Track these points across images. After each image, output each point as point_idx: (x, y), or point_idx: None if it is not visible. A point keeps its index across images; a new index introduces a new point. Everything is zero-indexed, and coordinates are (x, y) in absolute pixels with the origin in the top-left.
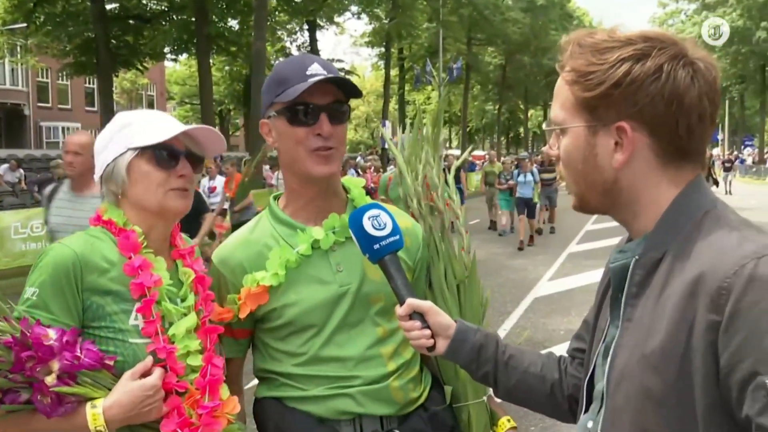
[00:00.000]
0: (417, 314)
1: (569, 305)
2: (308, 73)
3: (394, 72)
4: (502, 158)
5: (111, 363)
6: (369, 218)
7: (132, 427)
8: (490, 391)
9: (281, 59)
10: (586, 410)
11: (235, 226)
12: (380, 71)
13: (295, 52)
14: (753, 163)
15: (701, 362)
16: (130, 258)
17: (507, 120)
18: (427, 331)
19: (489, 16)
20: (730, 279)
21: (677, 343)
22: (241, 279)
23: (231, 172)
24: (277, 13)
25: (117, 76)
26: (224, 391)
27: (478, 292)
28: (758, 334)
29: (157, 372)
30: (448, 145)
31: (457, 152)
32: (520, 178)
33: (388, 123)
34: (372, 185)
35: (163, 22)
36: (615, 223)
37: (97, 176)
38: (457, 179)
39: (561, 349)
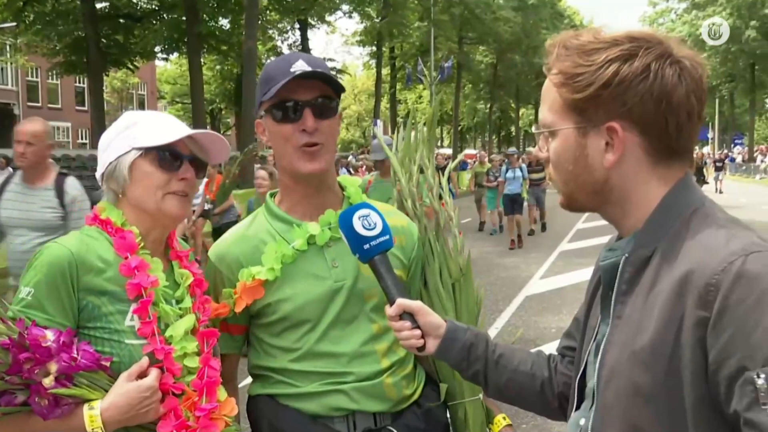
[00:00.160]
0: (407, 314)
1: (561, 303)
2: (292, 70)
3: (385, 71)
4: (490, 156)
5: (107, 364)
6: (359, 218)
7: (129, 429)
8: None
9: (272, 58)
10: (578, 408)
11: (216, 230)
12: (372, 70)
13: (286, 51)
14: (743, 161)
15: (690, 358)
16: (126, 258)
17: (498, 119)
18: (417, 332)
19: (480, 14)
20: (719, 276)
21: (666, 340)
22: (237, 274)
23: (212, 173)
24: (268, 12)
25: (107, 75)
26: (221, 392)
27: (473, 291)
28: (746, 330)
29: (154, 373)
30: (439, 143)
31: (448, 151)
32: (509, 174)
33: (379, 122)
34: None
35: (154, 21)
36: (606, 222)
37: (98, 174)
38: (448, 179)
39: (552, 347)
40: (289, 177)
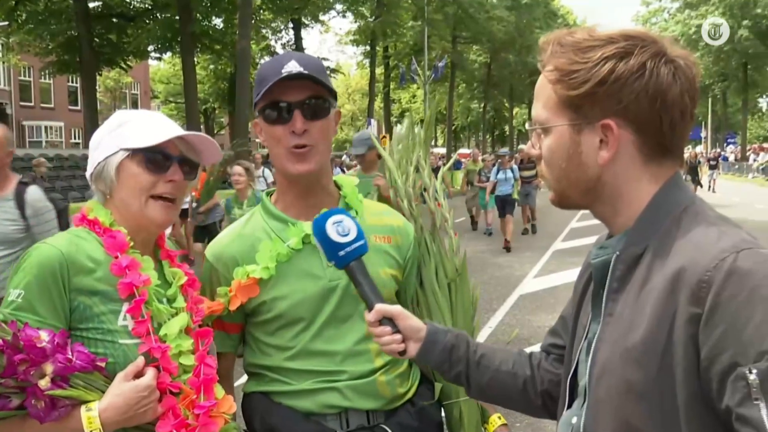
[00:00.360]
0: (387, 319)
1: (554, 302)
2: (283, 70)
3: (379, 70)
4: (482, 156)
5: (102, 365)
6: (333, 224)
7: (127, 430)
8: None
9: (266, 58)
10: (569, 406)
11: (200, 228)
12: (365, 69)
13: (280, 50)
14: (735, 160)
15: (682, 354)
16: (116, 257)
17: (492, 118)
18: (398, 336)
19: (474, 14)
20: (711, 273)
21: (658, 337)
22: (233, 272)
23: None
24: (261, 11)
25: (101, 75)
26: (219, 390)
27: (469, 291)
28: (738, 326)
29: (151, 372)
30: (433, 143)
31: (442, 150)
32: (500, 175)
33: (373, 121)
34: None
35: (147, 20)
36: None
37: (88, 173)
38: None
39: None
40: (282, 177)
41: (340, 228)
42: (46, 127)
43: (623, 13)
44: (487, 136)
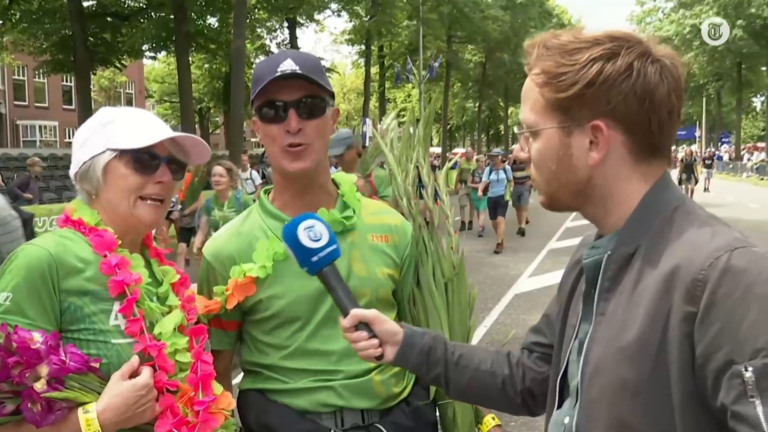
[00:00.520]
0: (363, 324)
1: (549, 301)
2: (278, 70)
3: (374, 70)
4: (475, 156)
5: (96, 365)
6: (304, 229)
7: (124, 431)
8: None
9: (261, 57)
10: (560, 406)
11: (184, 230)
12: (360, 69)
13: (275, 49)
14: (729, 159)
15: (677, 353)
16: (105, 256)
17: (487, 117)
18: (375, 341)
19: (469, 13)
20: (705, 271)
21: (653, 335)
22: (230, 271)
23: None
24: (256, 10)
25: (95, 74)
26: (217, 386)
27: (466, 290)
28: (733, 324)
29: (147, 371)
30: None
31: (437, 150)
32: (493, 176)
33: (368, 121)
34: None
35: (142, 20)
36: None
37: (72, 173)
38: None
39: None
40: (279, 175)
41: (311, 233)
42: (40, 127)
43: (618, 12)
44: (483, 136)
